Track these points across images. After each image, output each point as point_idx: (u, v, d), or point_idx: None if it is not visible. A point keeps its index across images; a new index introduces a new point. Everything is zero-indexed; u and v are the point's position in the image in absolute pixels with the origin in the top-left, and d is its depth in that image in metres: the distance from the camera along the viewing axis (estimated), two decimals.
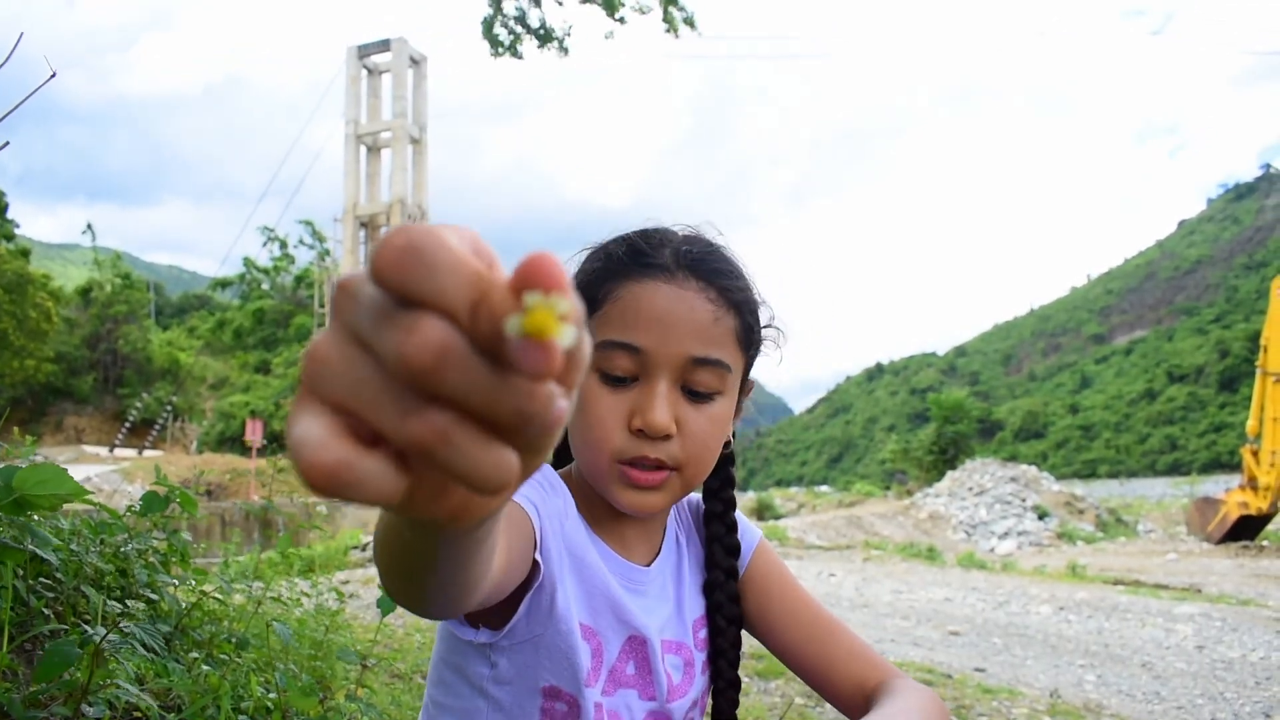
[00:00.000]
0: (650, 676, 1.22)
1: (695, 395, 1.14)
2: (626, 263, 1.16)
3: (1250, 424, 16.56)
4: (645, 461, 1.12)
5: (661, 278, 1.14)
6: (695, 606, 1.31)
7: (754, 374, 1.30)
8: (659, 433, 1.10)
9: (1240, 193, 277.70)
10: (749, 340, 1.20)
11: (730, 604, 1.31)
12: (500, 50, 7.53)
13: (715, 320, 1.14)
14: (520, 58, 7.68)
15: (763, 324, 1.24)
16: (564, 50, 7.64)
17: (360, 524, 22.86)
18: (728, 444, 1.26)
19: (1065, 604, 9.40)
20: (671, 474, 1.14)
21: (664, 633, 1.25)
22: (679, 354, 1.11)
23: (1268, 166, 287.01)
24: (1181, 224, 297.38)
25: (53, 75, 1.54)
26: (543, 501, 1.12)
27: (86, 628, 1.74)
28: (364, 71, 46.50)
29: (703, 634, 1.31)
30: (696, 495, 1.38)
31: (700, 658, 1.30)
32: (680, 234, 1.21)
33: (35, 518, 2.32)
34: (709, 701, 1.35)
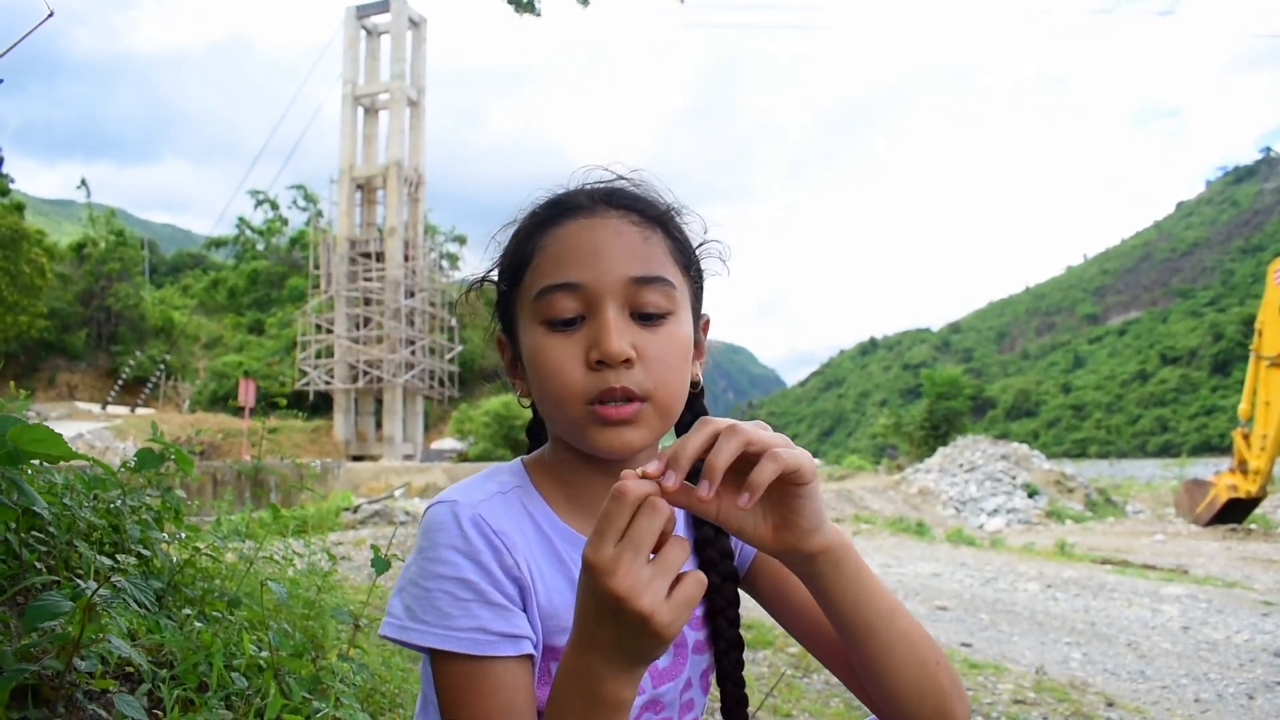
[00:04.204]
0: None
1: (647, 318, 1.12)
2: (548, 214, 1.18)
3: (1242, 407, 16.57)
4: (613, 394, 1.09)
5: (581, 215, 1.15)
6: None
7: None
8: (617, 359, 1.08)
9: (1239, 175, 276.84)
10: (686, 258, 1.20)
11: (724, 560, 1.29)
12: (522, 6, 7.32)
13: (645, 239, 1.14)
14: (538, 14, 7.48)
15: (696, 243, 1.24)
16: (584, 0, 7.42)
17: (351, 486, 22.91)
18: (697, 384, 1.25)
19: (1053, 582, 9.45)
20: (643, 405, 1.11)
21: None
22: (618, 278, 1.11)
23: (1268, 150, 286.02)
24: (1180, 205, 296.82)
25: (50, 15, 1.52)
26: (489, 597, 1.08)
27: (79, 581, 1.73)
28: (363, 32, 46.10)
29: (699, 611, 1.28)
30: None
31: (695, 636, 1.28)
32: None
33: (29, 471, 2.31)
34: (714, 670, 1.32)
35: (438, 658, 1.08)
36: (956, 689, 1.12)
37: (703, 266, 1.26)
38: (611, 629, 0.89)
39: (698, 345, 1.25)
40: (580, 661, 0.93)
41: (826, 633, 1.23)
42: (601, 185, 1.20)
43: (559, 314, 1.12)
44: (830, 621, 1.10)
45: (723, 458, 0.91)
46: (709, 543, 1.29)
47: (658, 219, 1.18)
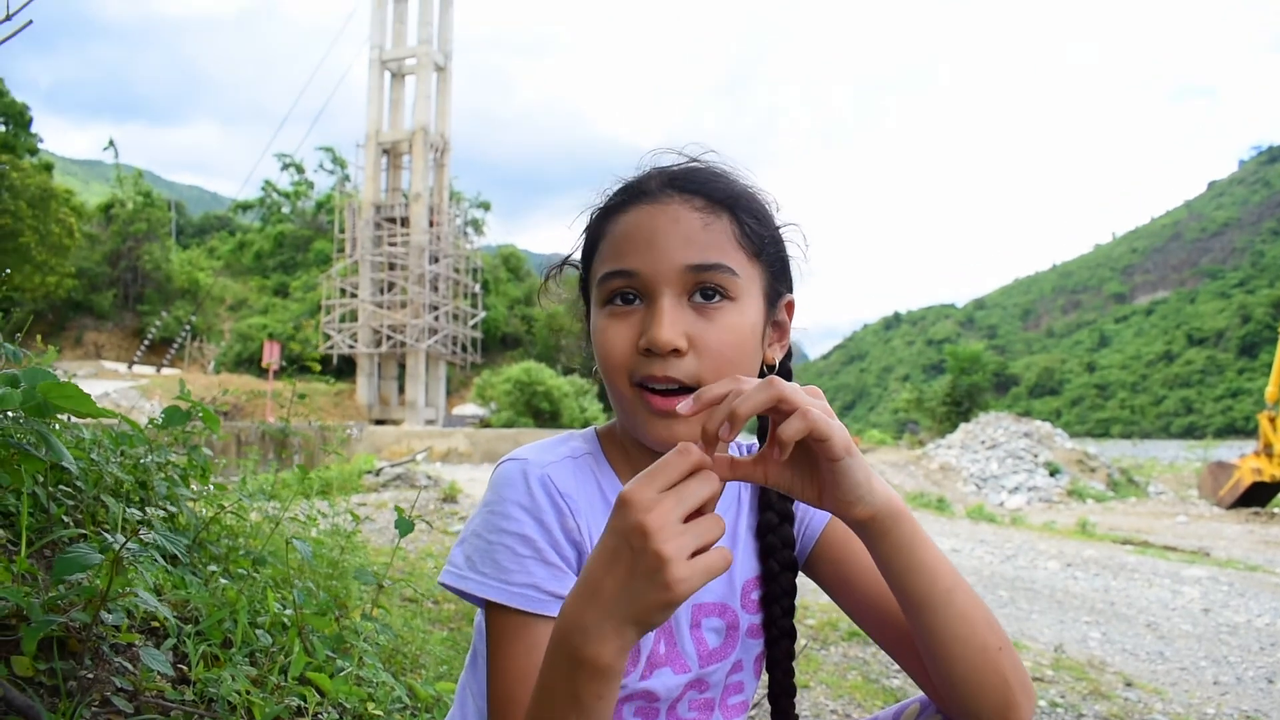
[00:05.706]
0: (677, 649, 1.20)
1: (708, 297, 1.10)
2: (617, 199, 1.18)
3: (1270, 390, 16.43)
4: (655, 380, 1.09)
5: (645, 202, 1.14)
6: (749, 568, 1.27)
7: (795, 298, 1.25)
8: (663, 348, 1.07)
9: (1273, 155, 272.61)
10: (755, 243, 1.15)
11: (784, 548, 1.27)
12: None
13: (705, 225, 1.11)
14: None
15: (775, 226, 1.20)
16: None
17: (373, 449, 23.06)
18: (773, 367, 1.22)
19: (1073, 561, 9.41)
20: None
21: (701, 596, 1.22)
22: (673, 266, 1.09)
23: None
24: (1211, 185, 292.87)
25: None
26: (545, 556, 1.10)
27: (106, 535, 1.75)
28: None
29: (755, 595, 1.27)
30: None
31: (749, 620, 1.26)
32: (674, 162, 1.20)
33: (57, 426, 2.33)
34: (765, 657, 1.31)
35: (491, 609, 1.10)
36: (1020, 680, 1.06)
37: (787, 251, 1.22)
38: (621, 572, 0.86)
39: (780, 327, 1.23)
40: (574, 615, 0.90)
41: (886, 619, 1.20)
42: (673, 168, 1.18)
43: (617, 299, 1.13)
44: (891, 590, 1.06)
45: (748, 405, 0.88)
46: (771, 529, 1.27)
47: (724, 203, 1.14)
